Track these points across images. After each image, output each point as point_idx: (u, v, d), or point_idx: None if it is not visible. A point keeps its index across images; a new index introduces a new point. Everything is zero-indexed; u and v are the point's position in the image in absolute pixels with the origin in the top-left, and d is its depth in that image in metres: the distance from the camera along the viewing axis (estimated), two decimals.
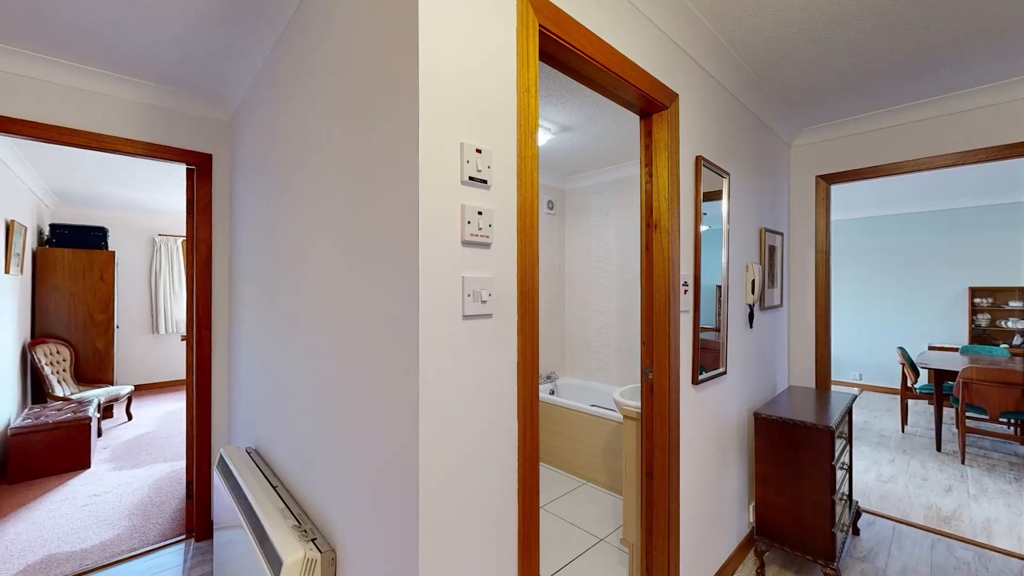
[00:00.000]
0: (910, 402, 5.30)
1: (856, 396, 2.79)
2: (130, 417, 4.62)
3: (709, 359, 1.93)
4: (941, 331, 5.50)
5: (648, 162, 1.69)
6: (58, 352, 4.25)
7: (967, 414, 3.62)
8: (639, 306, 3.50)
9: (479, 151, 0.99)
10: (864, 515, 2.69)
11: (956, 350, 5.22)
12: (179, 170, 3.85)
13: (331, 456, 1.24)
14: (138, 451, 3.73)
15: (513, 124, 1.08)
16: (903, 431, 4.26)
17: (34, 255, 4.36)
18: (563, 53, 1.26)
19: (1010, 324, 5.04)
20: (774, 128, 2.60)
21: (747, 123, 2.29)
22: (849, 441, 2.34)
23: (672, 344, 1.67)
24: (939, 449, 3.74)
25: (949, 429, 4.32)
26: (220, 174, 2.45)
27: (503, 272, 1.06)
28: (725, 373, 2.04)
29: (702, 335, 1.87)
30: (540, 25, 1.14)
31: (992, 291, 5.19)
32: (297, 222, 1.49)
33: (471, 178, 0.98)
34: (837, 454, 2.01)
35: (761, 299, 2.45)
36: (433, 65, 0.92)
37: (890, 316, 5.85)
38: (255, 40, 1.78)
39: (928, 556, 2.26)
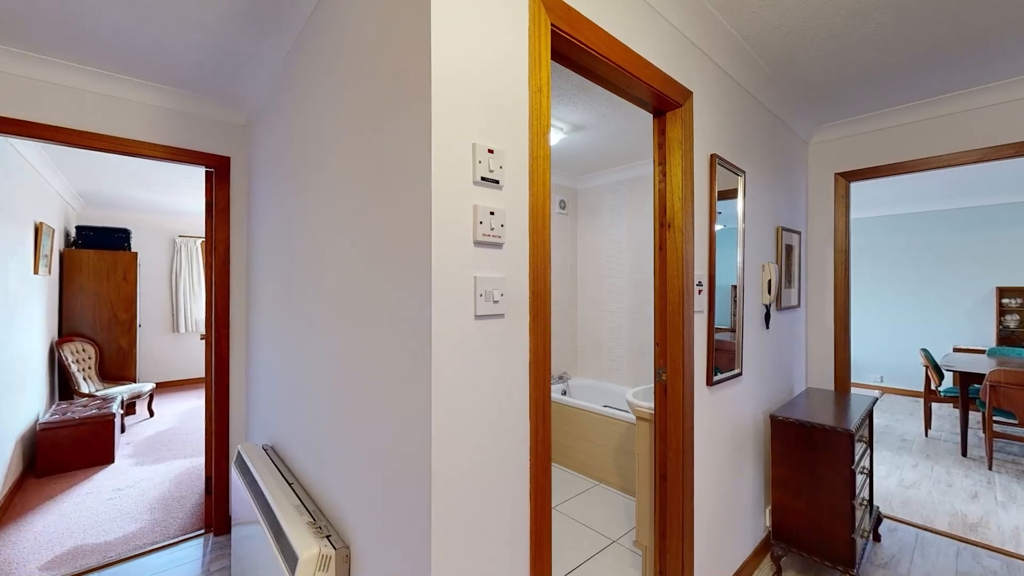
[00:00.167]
0: (934, 406, 5.14)
1: (877, 399, 2.72)
2: (152, 414, 4.75)
3: (724, 360, 1.90)
4: (967, 332, 5.33)
5: (662, 161, 1.68)
6: (84, 350, 4.38)
7: (994, 418, 3.50)
8: (652, 306, 3.47)
9: (491, 151, 0.99)
10: (885, 521, 2.62)
11: (983, 352, 5.06)
12: (198, 173, 3.94)
13: (345, 454, 1.25)
14: (159, 447, 3.83)
15: (525, 124, 1.08)
16: (926, 435, 4.14)
17: (61, 256, 4.51)
18: (575, 52, 1.26)
19: None
20: (791, 125, 2.55)
21: (763, 120, 2.25)
22: (869, 445, 2.29)
23: (686, 345, 1.65)
24: (965, 454, 3.62)
25: (975, 434, 4.18)
26: (238, 176, 2.50)
27: (515, 272, 1.06)
28: (740, 374, 2.01)
29: (717, 336, 1.85)
30: (552, 24, 1.14)
31: (1021, 291, 5.00)
32: (313, 223, 1.51)
33: (483, 178, 0.98)
34: (857, 458, 1.97)
35: (778, 299, 2.40)
36: (445, 66, 0.92)
37: (913, 317, 5.69)
38: (271, 44, 1.81)
39: (953, 564, 2.19)
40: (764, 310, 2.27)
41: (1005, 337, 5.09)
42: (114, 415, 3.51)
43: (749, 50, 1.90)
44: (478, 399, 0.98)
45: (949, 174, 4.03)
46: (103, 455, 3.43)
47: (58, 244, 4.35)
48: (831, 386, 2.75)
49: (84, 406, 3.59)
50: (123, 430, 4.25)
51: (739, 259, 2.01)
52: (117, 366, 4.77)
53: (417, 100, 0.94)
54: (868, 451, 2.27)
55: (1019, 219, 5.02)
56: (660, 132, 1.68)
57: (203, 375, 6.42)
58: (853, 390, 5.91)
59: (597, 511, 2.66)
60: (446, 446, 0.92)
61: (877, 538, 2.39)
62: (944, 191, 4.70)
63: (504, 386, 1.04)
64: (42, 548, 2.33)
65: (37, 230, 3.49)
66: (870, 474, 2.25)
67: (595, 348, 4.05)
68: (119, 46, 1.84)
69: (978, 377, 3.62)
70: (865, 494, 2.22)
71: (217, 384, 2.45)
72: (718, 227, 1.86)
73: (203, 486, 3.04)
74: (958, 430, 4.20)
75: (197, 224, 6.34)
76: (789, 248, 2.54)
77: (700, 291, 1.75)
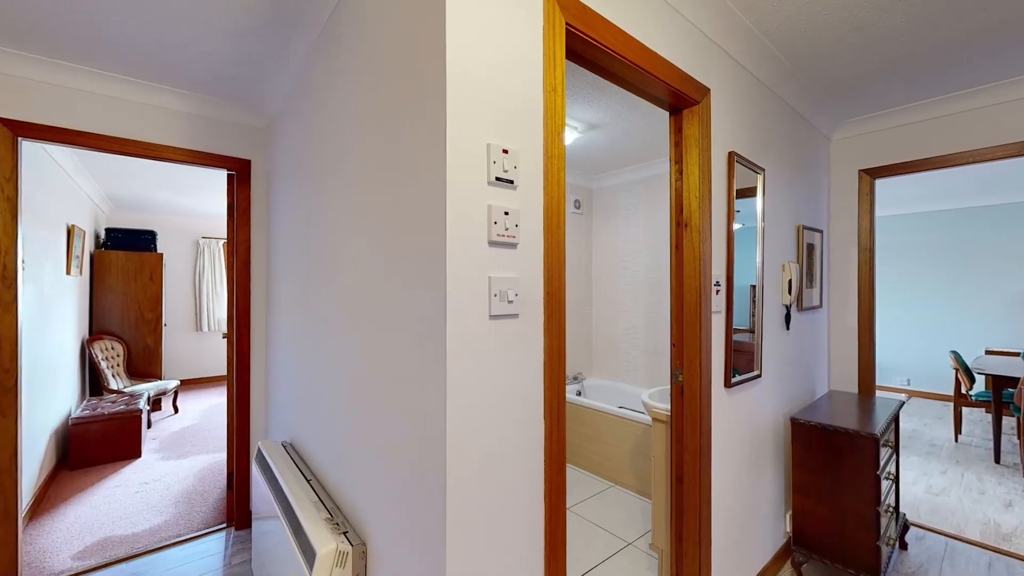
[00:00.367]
0: (964, 410, 4.95)
1: (903, 402, 2.64)
2: (176, 410, 4.89)
3: (743, 361, 1.87)
4: (999, 334, 5.11)
5: (678, 159, 1.65)
6: (112, 348, 4.54)
7: None
8: (668, 306, 3.43)
9: (506, 151, 0.99)
10: (913, 529, 2.54)
11: (1017, 355, 4.85)
12: (220, 176, 4.04)
13: (362, 453, 1.27)
14: (183, 442, 3.94)
15: (540, 124, 1.08)
16: (956, 441, 3.99)
17: (92, 257, 4.68)
18: (590, 51, 1.25)
19: None
20: (812, 120, 2.49)
21: (783, 116, 2.20)
22: (895, 450, 2.22)
23: (703, 346, 1.62)
24: (997, 461, 3.48)
25: (1009, 440, 4.01)
26: (258, 179, 2.56)
27: (529, 272, 1.06)
28: (760, 376, 1.97)
29: (735, 336, 1.81)
30: (567, 23, 1.14)
31: None
32: (330, 224, 1.54)
33: (497, 179, 0.98)
34: (882, 463, 1.91)
35: (799, 299, 2.34)
36: (460, 67, 0.93)
37: (941, 317, 5.49)
38: (290, 49, 1.85)
39: (985, 575, 2.11)
40: (784, 310, 2.22)
41: None
42: (141, 411, 3.62)
43: (769, 45, 1.86)
44: (493, 399, 0.99)
45: (980, 170, 3.88)
46: (131, 449, 3.55)
47: (89, 246, 4.52)
48: (855, 389, 2.68)
49: (113, 402, 3.72)
50: (149, 425, 4.39)
51: (758, 258, 1.97)
52: (144, 363, 4.93)
53: (432, 100, 0.95)
54: (894, 456, 2.20)
55: None
56: (677, 130, 1.66)
57: (225, 373, 6.58)
58: (878, 393, 5.73)
59: (613, 513, 2.64)
60: (461, 445, 0.93)
61: (904, 546, 2.32)
62: (974, 187, 4.52)
63: (519, 386, 1.04)
64: (74, 538, 2.42)
65: (69, 232, 3.63)
66: (896, 480, 2.18)
67: (610, 348, 4.01)
68: (146, 54, 1.90)
69: (1012, 381, 3.47)
70: (891, 500, 2.15)
71: (238, 381, 2.51)
72: (736, 226, 1.82)
73: (225, 481, 3.11)
74: (990, 435, 4.04)
75: (219, 226, 6.50)
76: (810, 247, 2.48)
77: (718, 291, 1.72)
